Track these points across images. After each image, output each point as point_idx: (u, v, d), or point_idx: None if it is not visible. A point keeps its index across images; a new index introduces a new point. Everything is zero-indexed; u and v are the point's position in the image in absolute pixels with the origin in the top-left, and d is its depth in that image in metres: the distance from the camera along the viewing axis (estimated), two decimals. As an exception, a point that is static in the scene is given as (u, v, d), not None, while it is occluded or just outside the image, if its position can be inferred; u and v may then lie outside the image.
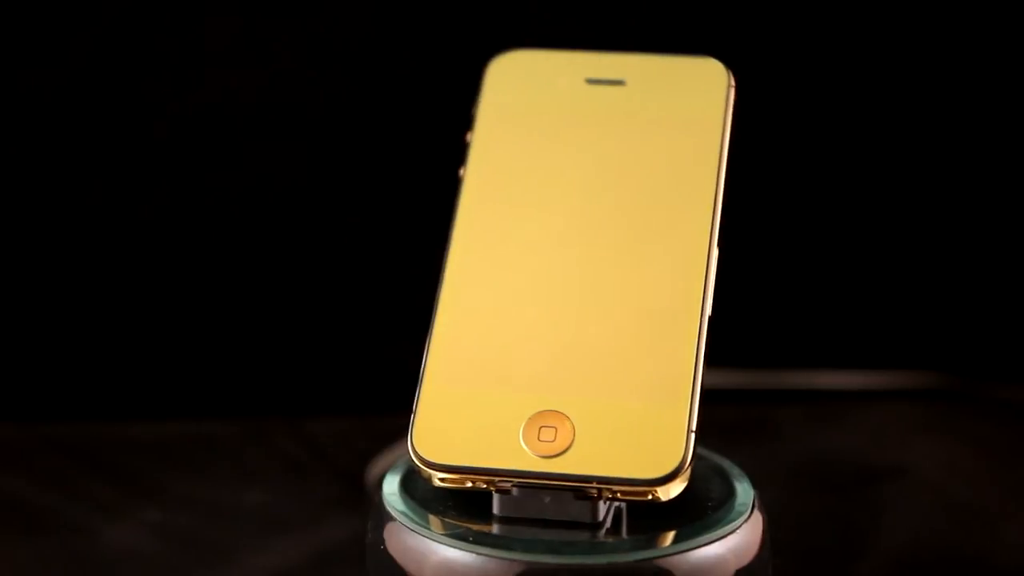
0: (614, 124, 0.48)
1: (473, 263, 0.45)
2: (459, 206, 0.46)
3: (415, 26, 0.76)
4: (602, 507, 0.42)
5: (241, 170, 0.77)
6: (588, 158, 0.47)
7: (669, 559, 0.41)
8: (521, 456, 0.42)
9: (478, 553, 0.41)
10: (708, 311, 0.44)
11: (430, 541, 0.42)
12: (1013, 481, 0.70)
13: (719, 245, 0.45)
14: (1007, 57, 0.79)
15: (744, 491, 0.45)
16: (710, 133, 0.47)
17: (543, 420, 0.43)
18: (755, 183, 0.79)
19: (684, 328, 0.44)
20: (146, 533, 0.64)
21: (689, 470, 0.42)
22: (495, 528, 0.42)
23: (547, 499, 0.42)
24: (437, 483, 0.43)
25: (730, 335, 0.77)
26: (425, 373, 0.44)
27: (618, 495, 0.42)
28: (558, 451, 0.42)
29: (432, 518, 0.43)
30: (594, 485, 0.42)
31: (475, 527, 0.42)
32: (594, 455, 0.42)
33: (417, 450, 0.43)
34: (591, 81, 0.49)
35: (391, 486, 0.45)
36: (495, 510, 0.43)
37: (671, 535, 0.42)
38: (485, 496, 0.43)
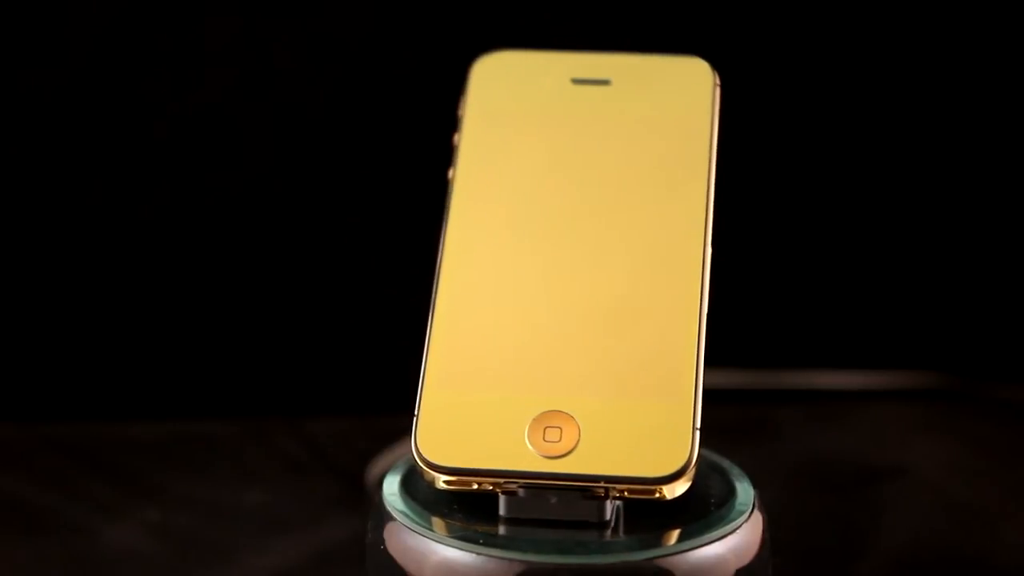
0: (602, 124, 0.48)
1: (467, 265, 0.45)
2: (450, 208, 0.46)
3: (408, 25, 0.76)
4: (608, 507, 0.42)
5: (241, 170, 0.77)
6: (578, 158, 0.47)
7: (669, 559, 0.41)
8: (527, 457, 0.42)
9: (478, 553, 0.41)
10: (706, 308, 0.44)
11: (430, 541, 0.42)
12: (1013, 481, 0.70)
13: (712, 243, 0.45)
14: (1007, 57, 0.79)
15: (744, 491, 0.45)
16: (699, 132, 0.47)
17: (547, 420, 0.43)
18: (755, 183, 0.79)
19: (683, 326, 0.44)
20: (146, 533, 0.64)
21: (695, 468, 0.42)
22: (496, 528, 0.42)
23: (554, 499, 0.42)
24: (441, 486, 0.43)
25: (730, 335, 0.77)
26: (425, 376, 0.44)
27: (625, 494, 0.42)
28: (564, 451, 0.42)
29: (432, 518, 0.43)
30: (602, 484, 0.42)
31: (475, 527, 0.42)
32: (600, 454, 0.42)
33: (422, 453, 0.42)
34: (577, 81, 0.49)
35: (391, 486, 0.45)
36: (501, 511, 0.43)
37: (671, 535, 0.42)
38: (486, 496, 0.43)
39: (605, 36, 0.75)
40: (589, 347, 0.44)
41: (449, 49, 0.75)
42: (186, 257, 0.77)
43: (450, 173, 0.47)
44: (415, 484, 0.45)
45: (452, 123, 0.49)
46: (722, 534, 0.42)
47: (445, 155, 0.48)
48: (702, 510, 0.43)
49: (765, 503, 0.44)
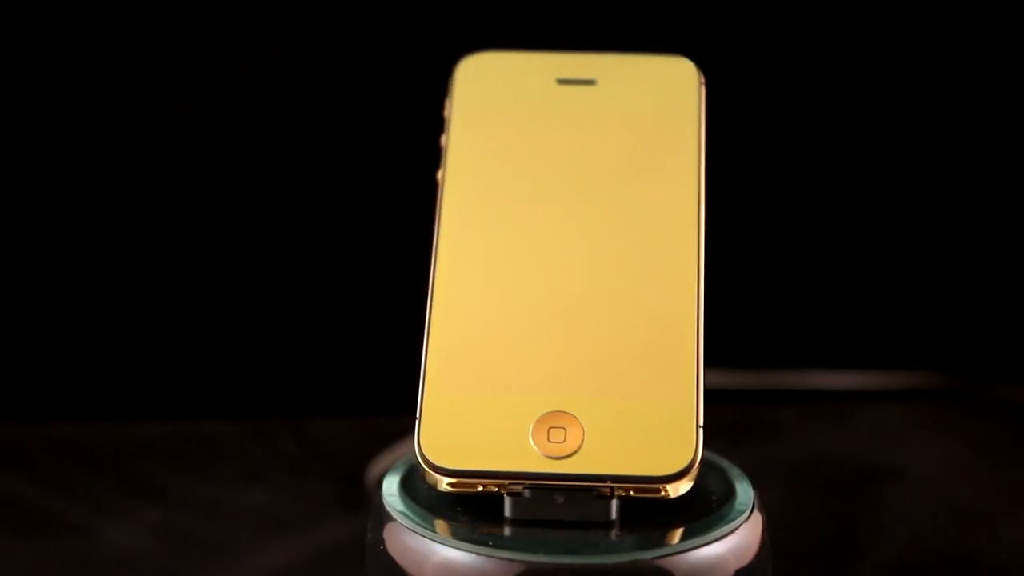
0: (591, 123, 0.48)
1: (462, 266, 0.45)
2: (442, 210, 0.46)
3: (392, 26, 0.76)
4: (614, 506, 0.42)
5: (240, 170, 0.77)
6: (568, 158, 0.47)
7: (669, 559, 0.41)
8: (532, 458, 0.42)
9: (478, 553, 0.41)
10: (703, 306, 0.44)
11: (430, 541, 0.42)
12: (1013, 481, 0.70)
13: (705, 240, 0.45)
14: (1007, 57, 0.79)
15: (744, 491, 0.45)
16: (687, 130, 0.48)
17: (551, 421, 0.43)
18: (756, 184, 0.79)
19: (682, 324, 0.44)
20: (146, 533, 0.64)
21: (699, 466, 0.42)
22: (496, 528, 0.42)
23: (560, 500, 0.42)
24: (445, 488, 0.43)
25: (730, 335, 0.77)
26: (426, 379, 0.44)
27: (631, 493, 0.42)
28: (569, 452, 0.42)
29: (432, 518, 0.43)
30: (608, 484, 0.42)
31: (475, 527, 0.42)
32: (606, 454, 0.42)
33: (427, 457, 0.42)
34: (562, 81, 0.49)
35: (391, 486, 0.45)
36: (506, 513, 0.43)
37: (671, 535, 0.42)
38: (486, 496, 0.43)
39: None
40: (589, 347, 0.44)
41: (432, 50, 0.75)
42: (186, 257, 0.77)
43: (439, 175, 0.47)
44: (415, 484, 0.45)
45: (439, 123, 0.49)
46: (722, 534, 0.42)
47: (436, 155, 0.48)
48: (702, 510, 0.43)
49: (765, 503, 0.44)
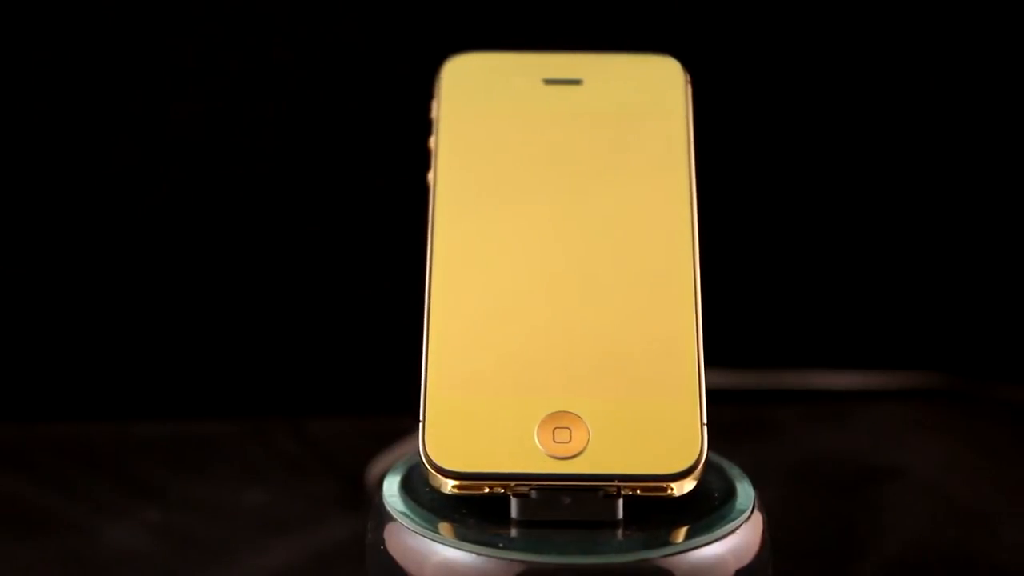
0: (580, 123, 0.48)
1: (459, 268, 0.45)
2: (435, 212, 0.46)
3: (398, 22, 0.76)
4: (620, 505, 0.42)
5: (240, 170, 0.77)
6: (559, 158, 0.47)
7: (669, 559, 0.41)
8: (538, 459, 0.42)
9: (478, 553, 0.41)
10: (700, 303, 0.44)
11: (430, 541, 0.42)
12: (1013, 481, 0.70)
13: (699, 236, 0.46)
14: (1007, 57, 0.79)
15: (744, 491, 0.45)
16: (675, 129, 0.48)
17: (556, 422, 0.43)
18: (756, 184, 0.79)
19: (681, 322, 0.44)
20: (146, 533, 0.64)
21: (705, 464, 0.42)
22: (496, 528, 0.42)
23: (567, 500, 0.42)
24: (452, 491, 0.42)
25: (730, 335, 0.77)
26: (428, 381, 0.43)
27: (637, 492, 0.42)
28: (575, 452, 0.42)
29: (432, 518, 0.43)
30: (615, 483, 0.42)
31: (475, 527, 0.42)
32: (612, 453, 0.42)
33: (433, 459, 0.42)
34: (548, 81, 0.49)
35: (391, 486, 0.45)
36: (513, 514, 0.42)
37: (671, 535, 0.42)
38: (487, 497, 0.43)
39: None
40: (590, 346, 0.44)
41: (432, 50, 0.75)
42: (186, 257, 0.77)
43: (429, 176, 0.47)
44: (415, 484, 0.45)
45: (426, 122, 0.49)
46: (722, 534, 0.42)
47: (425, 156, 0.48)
48: (702, 510, 0.43)
49: (765, 503, 0.44)
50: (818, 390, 0.78)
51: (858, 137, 0.79)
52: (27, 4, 0.74)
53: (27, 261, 0.76)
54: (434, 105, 0.48)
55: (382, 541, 0.43)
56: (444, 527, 0.42)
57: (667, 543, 0.42)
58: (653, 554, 0.41)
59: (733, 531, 0.43)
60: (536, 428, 0.43)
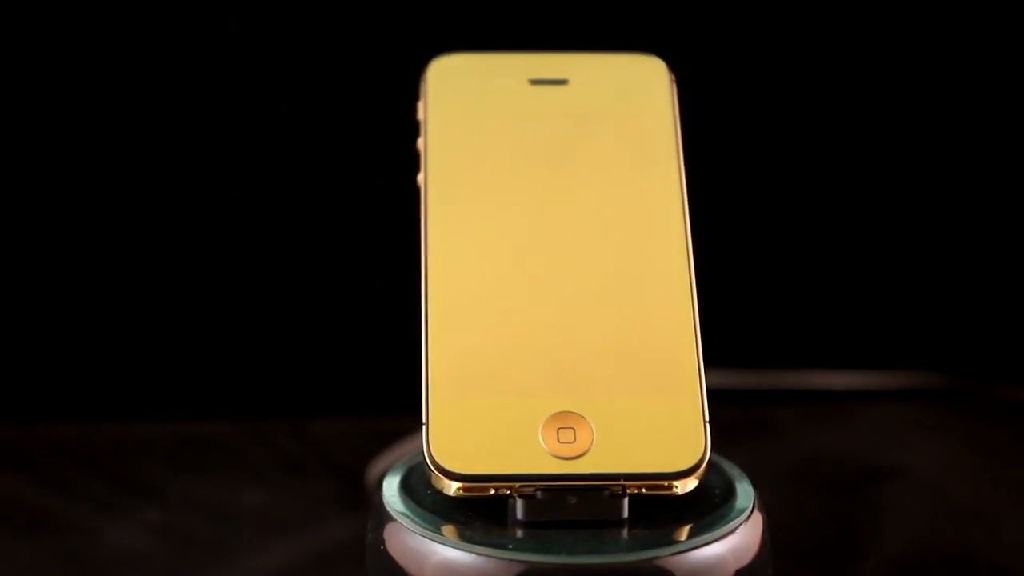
0: (568, 123, 0.48)
1: (456, 269, 0.45)
2: (428, 214, 0.46)
3: (398, 22, 0.76)
4: (626, 504, 0.42)
5: (240, 169, 0.77)
6: (550, 159, 0.47)
7: (669, 559, 0.41)
8: (543, 459, 0.42)
9: (478, 553, 0.41)
10: (696, 300, 0.45)
11: (430, 541, 0.42)
12: (1013, 481, 0.70)
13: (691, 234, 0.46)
14: (1008, 57, 0.79)
15: (744, 491, 0.45)
16: (663, 127, 0.48)
17: (560, 422, 0.43)
18: (756, 184, 0.79)
19: (679, 319, 0.44)
20: (146, 533, 0.64)
21: (709, 461, 0.42)
22: (498, 529, 0.42)
23: (573, 500, 0.42)
24: (457, 493, 0.42)
25: (730, 335, 0.77)
26: (430, 384, 0.43)
27: (643, 490, 0.42)
28: (580, 452, 0.42)
29: (432, 518, 0.43)
30: (621, 483, 0.42)
31: (475, 527, 0.42)
32: (616, 452, 0.42)
33: (438, 462, 0.42)
34: (534, 81, 0.49)
35: (391, 486, 0.45)
36: (518, 515, 0.42)
37: (671, 535, 0.42)
38: (487, 497, 0.43)
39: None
40: (590, 346, 0.44)
41: (433, 49, 0.75)
42: (186, 257, 0.77)
43: (419, 179, 0.47)
44: (415, 484, 0.45)
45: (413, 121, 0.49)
46: (722, 534, 0.42)
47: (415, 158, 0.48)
48: (702, 510, 0.43)
49: (765, 503, 0.44)
50: (818, 390, 0.78)
51: (858, 137, 0.79)
52: (27, 4, 0.74)
53: (27, 261, 0.76)
54: (420, 107, 0.48)
55: (382, 541, 0.43)
56: (444, 527, 0.42)
57: (667, 543, 0.42)
58: (653, 554, 0.41)
59: (733, 531, 0.43)
60: (540, 429, 0.43)
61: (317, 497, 0.68)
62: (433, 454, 0.42)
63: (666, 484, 0.42)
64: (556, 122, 0.48)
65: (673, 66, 0.50)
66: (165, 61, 0.76)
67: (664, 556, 0.41)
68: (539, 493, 0.42)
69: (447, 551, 0.42)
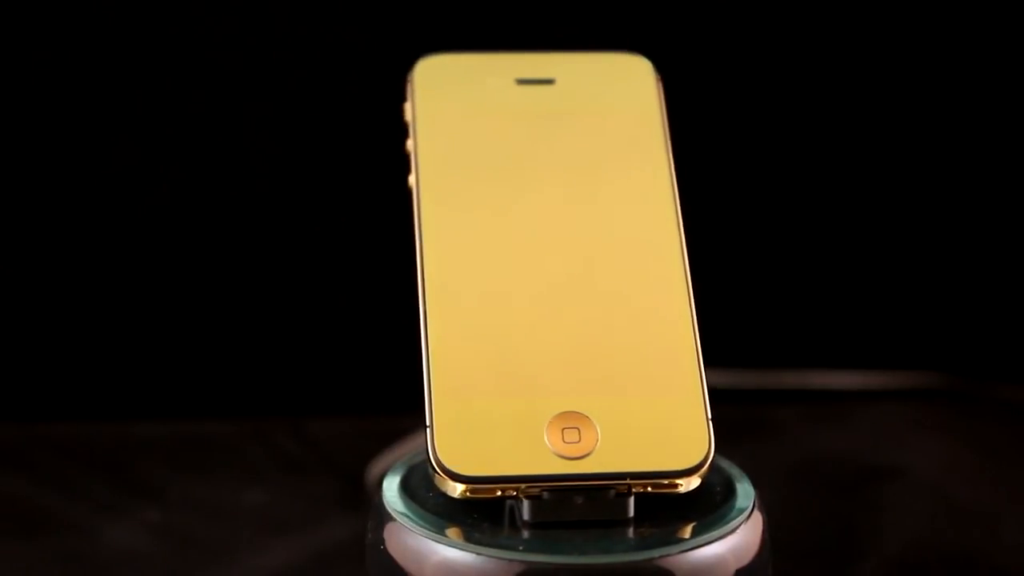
0: (558, 123, 0.48)
1: (453, 271, 0.45)
2: (422, 216, 0.46)
3: (398, 22, 0.76)
4: (631, 503, 0.42)
5: (240, 170, 0.77)
6: (541, 159, 0.47)
7: (669, 559, 0.41)
8: (549, 460, 0.42)
9: (478, 553, 0.41)
10: (692, 299, 0.45)
11: (430, 541, 0.42)
12: (1013, 481, 0.70)
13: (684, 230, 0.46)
14: (1008, 56, 0.79)
15: (744, 491, 0.45)
16: (652, 126, 0.48)
17: (564, 422, 0.43)
18: (756, 183, 0.79)
19: (678, 317, 0.44)
20: (146, 533, 0.64)
21: (713, 459, 0.42)
22: (496, 528, 0.42)
23: (580, 500, 0.42)
24: (461, 495, 0.42)
25: (730, 335, 0.77)
26: (433, 387, 0.43)
27: (649, 489, 0.42)
28: (586, 451, 0.42)
29: (432, 518, 0.43)
30: (627, 482, 0.42)
31: (475, 527, 0.42)
32: (621, 452, 0.42)
33: (444, 464, 0.42)
34: (521, 81, 0.49)
35: (391, 486, 0.45)
36: (524, 516, 0.42)
37: (671, 535, 0.42)
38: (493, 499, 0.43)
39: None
40: (591, 345, 0.44)
41: (434, 49, 0.75)
42: (186, 257, 0.77)
43: (410, 180, 0.47)
44: (415, 484, 0.45)
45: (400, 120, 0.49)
46: (722, 534, 0.42)
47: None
48: (702, 510, 0.43)
49: (765, 503, 0.44)
50: (818, 390, 0.78)
51: (859, 137, 0.79)
52: (27, 4, 0.74)
53: (27, 261, 0.76)
54: (407, 108, 0.48)
55: (382, 541, 0.43)
56: (444, 527, 0.42)
57: (667, 543, 0.42)
58: (653, 554, 0.41)
59: (733, 531, 0.43)
60: (545, 429, 0.43)
61: (317, 497, 0.68)
62: (439, 456, 0.42)
63: (672, 482, 0.42)
64: (545, 122, 0.48)
65: (667, 65, 0.50)
66: (166, 60, 0.76)
67: (664, 556, 0.41)
68: (545, 494, 0.42)
69: (447, 550, 0.42)
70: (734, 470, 0.46)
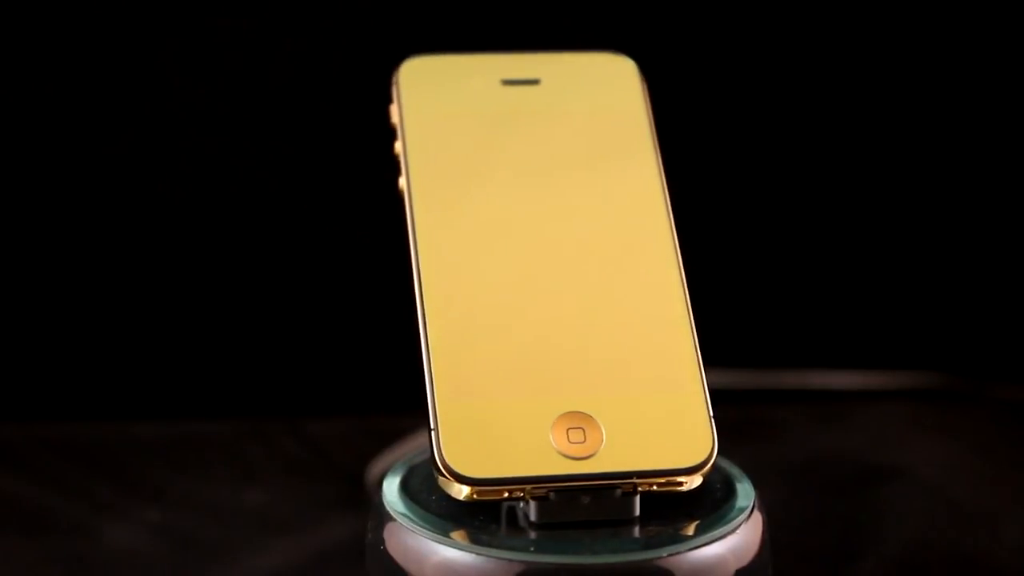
0: (545, 123, 0.48)
1: (449, 274, 0.45)
2: (415, 218, 0.46)
3: (398, 22, 0.76)
4: (637, 502, 0.42)
5: (239, 170, 0.77)
6: (531, 160, 0.47)
7: (669, 559, 0.41)
8: (554, 460, 0.42)
9: (478, 553, 0.41)
10: (688, 298, 0.45)
11: (430, 541, 0.42)
12: (1013, 481, 0.70)
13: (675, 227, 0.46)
14: (1008, 56, 0.79)
15: (744, 491, 0.45)
16: (638, 126, 0.48)
17: (569, 422, 0.43)
18: (756, 183, 0.79)
19: (676, 316, 0.44)
20: (146, 533, 0.64)
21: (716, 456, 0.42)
22: (496, 528, 0.42)
23: (586, 500, 0.42)
24: (467, 497, 0.42)
25: (730, 335, 0.77)
26: (435, 389, 0.43)
27: (654, 488, 0.42)
28: (591, 451, 0.42)
29: (432, 518, 0.43)
30: (633, 480, 0.42)
31: (474, 527, 0.42)
32: (627, 451, 0.42)
33: (450, 467, 0.42)
34: (507, 82, 0.49)
35: (391, 486, 0.45)
36: (531, 517, 0.42)
37: (671, 535, 0.42)
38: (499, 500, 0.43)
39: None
40: (592, 345, 0.44)
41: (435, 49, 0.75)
42: (185, 257, 0.77)
43: (400, 183, 0.47)
44: (415, 485, 0.45)
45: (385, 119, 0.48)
46: (722, 534, 0.42)
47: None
48: (702, 510, 0.43)
49: (765, 503, 0.44)
50: (818, 390, 0.78)
51: (859, 137, 0.79)
52: (27, 4, 0.74)
53: (27, 261, 0.76)
54: (393, 110, 0.48)
55: (382, 541, 0.43)
56: (444, 527, 0.42)
57: (667, 543, 0.42)
58: (653, 554, 0.41)
59: (733, 531, 0.43)
60: (550, 429, 0.42)
61: (317, 497, 0.68)
62: (445, 459, 0.42)
63: (677, 480, 0.42)
64: (531, 122, 0.48)
65: (651, 65, 0.50)
66: (166, 60, 0.76)
67: (664, 556, 0.41)
68: (552, 494, 0.42)
69: (447, 550, 0.42)
70: (734, 470, 0.46)
